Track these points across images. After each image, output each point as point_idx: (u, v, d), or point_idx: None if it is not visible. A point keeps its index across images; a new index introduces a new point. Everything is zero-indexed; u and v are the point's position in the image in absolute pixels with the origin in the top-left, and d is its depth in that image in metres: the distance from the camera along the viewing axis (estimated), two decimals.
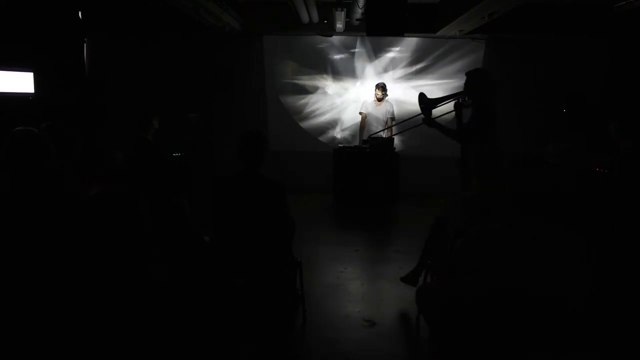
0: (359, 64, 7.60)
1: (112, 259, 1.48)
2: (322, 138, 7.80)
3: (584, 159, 3.29)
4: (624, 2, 5.52)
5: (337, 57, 7.59)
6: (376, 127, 6.97)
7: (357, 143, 7.12)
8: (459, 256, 2.02)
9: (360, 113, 7.13)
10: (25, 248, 1.98)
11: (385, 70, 7.57)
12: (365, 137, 6.93)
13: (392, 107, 7.04)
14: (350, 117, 7.63)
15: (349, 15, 6.46)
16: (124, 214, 1.49)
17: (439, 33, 6.65)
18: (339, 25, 6.54)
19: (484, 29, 6.20)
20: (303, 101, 7.75)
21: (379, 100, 6.93)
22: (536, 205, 1.85)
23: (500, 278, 1.86)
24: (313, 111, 7.78)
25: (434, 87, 7.52)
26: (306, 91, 7.72)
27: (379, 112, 6.99)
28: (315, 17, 6.74)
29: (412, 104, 7.55)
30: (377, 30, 5.34)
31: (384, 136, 6.89)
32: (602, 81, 6.98)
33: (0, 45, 5.74)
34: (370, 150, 6.64)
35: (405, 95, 7.60)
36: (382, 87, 6.89)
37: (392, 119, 7.02)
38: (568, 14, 6.51)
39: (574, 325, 1.89)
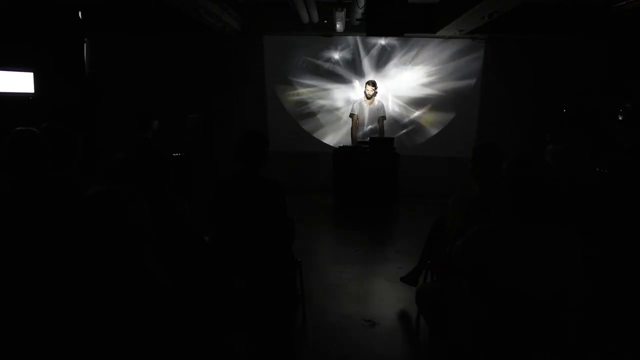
0: (358, 64, 7.59)
1: (112, 258, 1.48)
2: (322, 138, 7.80)
3: (584, 159, 3.28)
4: (624, 2, 5.52)
5: (337, 57, 7.59)
6: (370, 129, 6.91)
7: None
8: (459, 256, 2.02)
9: (351, 115, 7.04)
10: (25, 249, 1.98)
11: (385, 70, 7.57)
12: (360, 139, 6.88)
13: (383, 106, 7.00)
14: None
15: (349, 15, 6.47)
16: (122, 213, 1.49)
17: (439, 33, 6.65)
18: (339, 25, 6.55)
19: (484, 29, 6.20)
20: (303, 101, 7.76)
21: (369, 98, 6.84)
22: (536, 206, 1.85)
23: (500, 278, 1.86)
24: (313, 111, 7.78)
25: (434, 87, 7.53)
26: (306, 91, 7.72)
27: (371, 111, 6.92)
28: (315, 17, 6.75)
29: (411, 103, 7.62)
30: (377, 30, 5.36)
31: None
32: (601, 81, 6.98)
33: (0, 45, 5.74)
34: (370, 150, 6.64)
35: (404, 95, 7.60)
36: (372, 83, 6.80)
37: (384, 117, 6.97)
38: (568, 14, 6.52)
39: (574, 325, 1.89)
